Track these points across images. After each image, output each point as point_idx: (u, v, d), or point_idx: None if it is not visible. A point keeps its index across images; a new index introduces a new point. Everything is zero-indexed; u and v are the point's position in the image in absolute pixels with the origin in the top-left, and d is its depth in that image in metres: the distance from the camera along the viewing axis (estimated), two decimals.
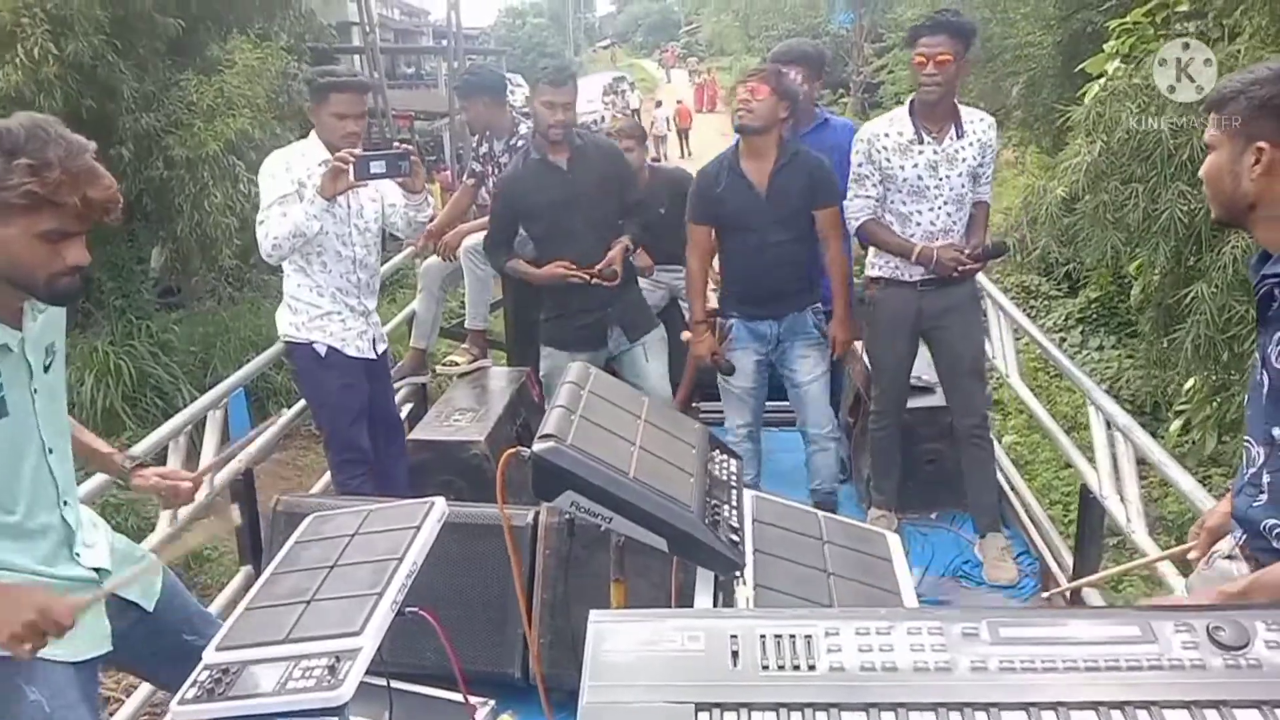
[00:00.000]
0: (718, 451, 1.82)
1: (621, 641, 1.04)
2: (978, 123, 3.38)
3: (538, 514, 2.73)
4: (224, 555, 4.90)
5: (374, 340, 3.45)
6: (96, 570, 1.83)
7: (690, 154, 24.27)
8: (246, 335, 8.22)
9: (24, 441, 1.70)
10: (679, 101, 29.45)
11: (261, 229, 3.18)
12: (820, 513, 1.85)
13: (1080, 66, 5.31)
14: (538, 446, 1.47)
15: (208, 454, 3.16)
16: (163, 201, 7.65)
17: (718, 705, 0.97)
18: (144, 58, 7.54)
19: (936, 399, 3.83)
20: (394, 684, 1.91)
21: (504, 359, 5.01)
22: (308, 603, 1.66)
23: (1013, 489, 4.02)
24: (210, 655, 1.58)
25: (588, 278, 3.50)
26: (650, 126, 27.34)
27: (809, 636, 1.02)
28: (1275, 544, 1.57)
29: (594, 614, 1.08)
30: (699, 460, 1.70)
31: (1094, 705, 0.95)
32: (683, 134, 26.49)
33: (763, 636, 1.03)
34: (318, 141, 3.27)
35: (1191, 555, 1.87)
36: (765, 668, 1.00)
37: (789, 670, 1.00)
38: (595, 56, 57.12)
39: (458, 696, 2.13)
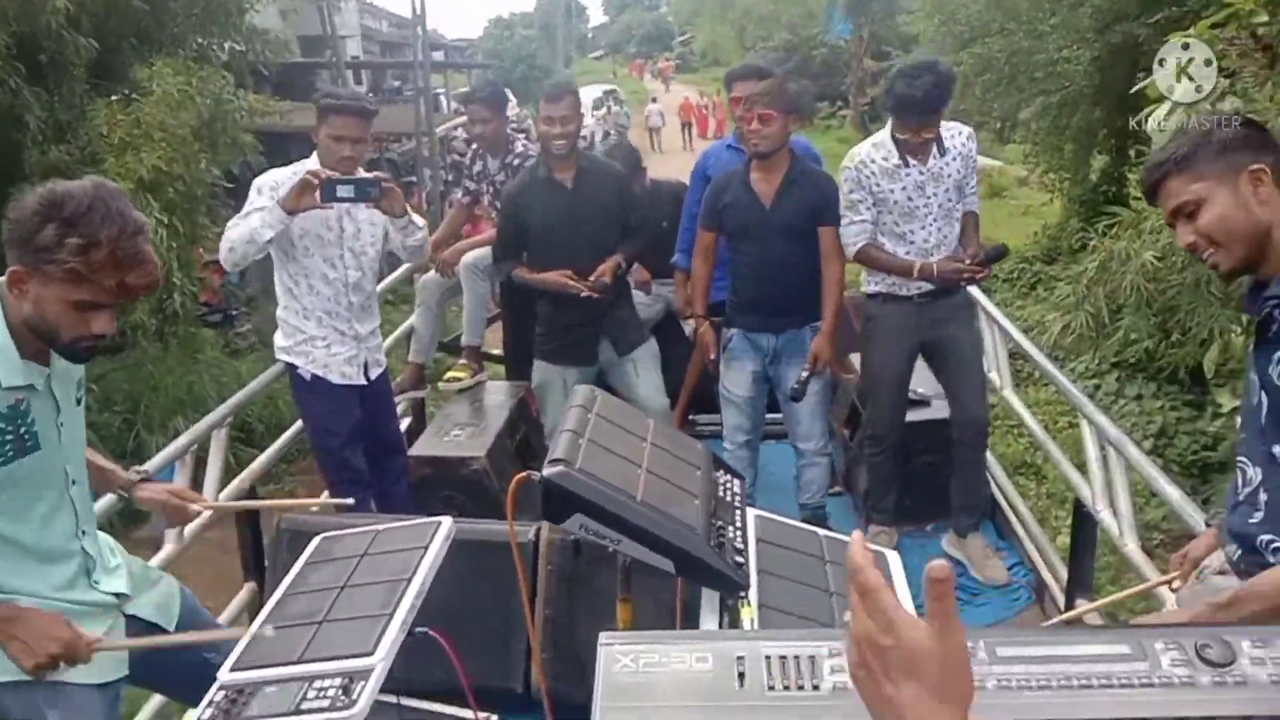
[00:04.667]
0: (721, 472, 1.86)
1: (632, 662, 1.08)
2: (957, 136, 3.43)
3: (539, 530, 2.76)
4: (221, 574, 4.88)
5: (365, 365, 3.36)
6: (116, 595, 1.88)
7: (692, 146, 24.48)
8: (176, 395, 7.27)
9: (49, 474, 1.74)
10: (685, 98, 30.28)
11: (224, 236, 3.15)
12: (822, 532, 1.89)
13: (1137, 87, 4.41)
14: (548, 471, 1.51)
15: (211, 478, 3.18)
16: None
17: None
18: (57, 82, 6.81)
19: (932, 412, 3.88)
20: (402, 700, 1.95)
21: (502, 373, 5.05)
22: (320, 624, 1.69)
23: (1009, 503, 4.06)
24: (225, 676, 1.61)
25: (582, 290, 3.53)
26: (645, 120, 27.94)
27: (813, 657, 1.06)
28: (1271, 559, 1.62)
29: (604, 635, 1.11)
30: (703, 482, 1.74)
31: None
32: (685, 126, 27.37)
33: (768, 657, 1.06)
34: (316, 163, 3.22)
35: (1174, 585, 1.93)
36: (771, 688, 1.03)
37: (794, 690, 1.03)
38: (590, 67, 57.00)
39: (466, 712, 2.16)
